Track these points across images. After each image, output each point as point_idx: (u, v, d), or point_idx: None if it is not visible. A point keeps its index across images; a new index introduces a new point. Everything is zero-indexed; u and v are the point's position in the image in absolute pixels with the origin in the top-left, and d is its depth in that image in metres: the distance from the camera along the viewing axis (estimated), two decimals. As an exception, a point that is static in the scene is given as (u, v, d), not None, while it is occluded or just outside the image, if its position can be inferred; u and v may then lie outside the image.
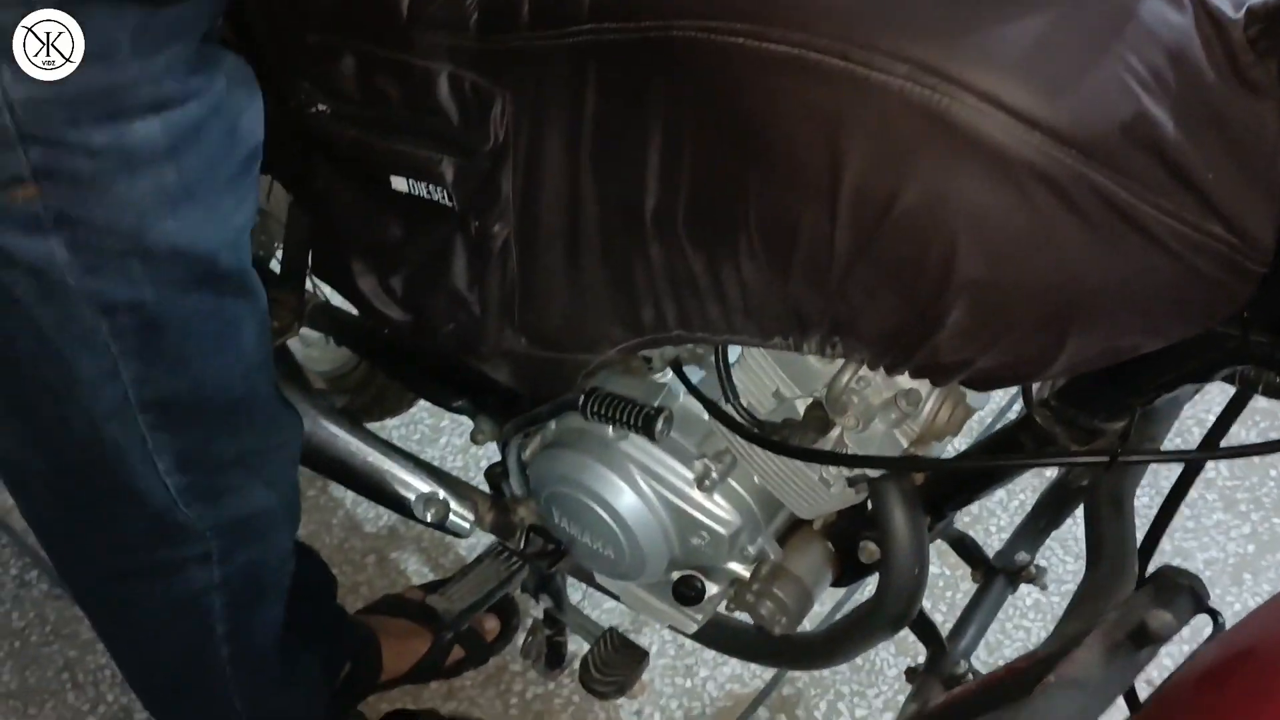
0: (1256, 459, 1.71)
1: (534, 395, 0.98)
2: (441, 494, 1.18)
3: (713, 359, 0.88)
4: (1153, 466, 1.54)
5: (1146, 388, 0.72)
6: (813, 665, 1.05)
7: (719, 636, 1.07)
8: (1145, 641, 0.62)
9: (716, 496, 0.94)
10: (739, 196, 0.66)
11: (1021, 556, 1.01)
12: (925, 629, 0.97)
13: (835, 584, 1.00)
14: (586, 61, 0.72)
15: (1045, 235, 0.57)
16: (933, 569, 1.53)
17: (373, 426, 1.44)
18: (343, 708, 1.28)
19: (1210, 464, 1.69)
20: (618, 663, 1.03)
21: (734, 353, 0.88)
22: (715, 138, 0.66)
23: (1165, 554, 1.54)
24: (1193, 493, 1.61)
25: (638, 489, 0.95)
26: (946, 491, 0.90)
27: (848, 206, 0.60)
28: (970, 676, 0.95)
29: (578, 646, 1.23)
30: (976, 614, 0.98)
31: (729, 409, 0.85)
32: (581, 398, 0.90)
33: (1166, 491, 0.85)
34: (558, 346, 0.86)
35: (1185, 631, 0.88)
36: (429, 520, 1.18)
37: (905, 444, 0.85)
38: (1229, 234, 0.57)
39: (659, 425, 0.86)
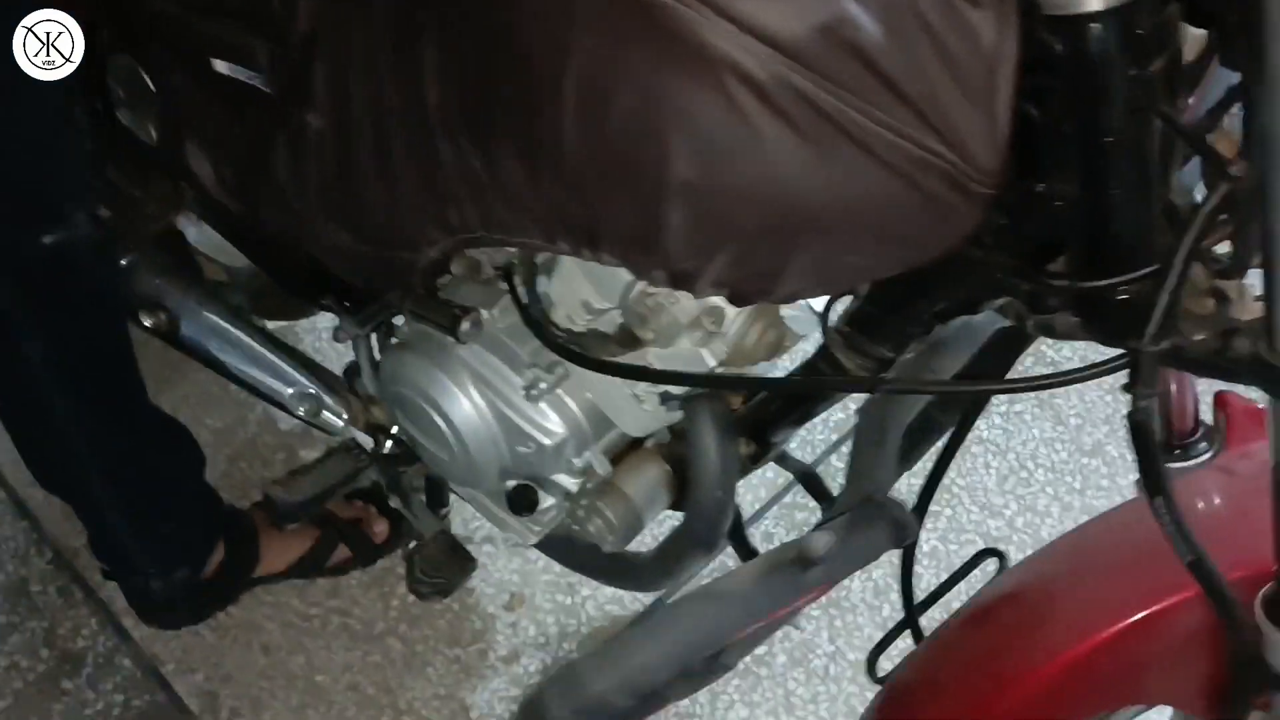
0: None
1: (372, 291, 0.98)
2: (315, 390, 1.19)
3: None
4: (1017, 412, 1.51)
5: (919, 317, 0.70)
6: (641, 587, 1.04)
7: (561, 549, 1.07)
8: (807, 563, 0.61)
9: (544, 406, 0.93)
10: (494, 92, 0.65)
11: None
12: (750, 556, 0.97)
13: (674, 507, 0.99)
14: None
15: (752, 140, 0.55)
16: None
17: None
18: (220, 597, 1.31)
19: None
20: (444, 566, 1.03)
21: (556, 260, 0.87)
22: (472, 29, 0.65)
23: (1074, 510, 1.52)
24: (1114, 451, 1.60)
25: (468, 394, 0.95)
26: (766, 418, 0.89)
27: (573, 102, 0.59)
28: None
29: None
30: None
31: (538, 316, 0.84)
32: (405, 297, 0.89)
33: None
34: (379, 243, 0.86)
35: (978, 571, 0.88)
36: (302, 415, 1.19)
37: (713, 363, 0.84)
38: (948, 150, 0.55)
39: (463, 327, 0.86)
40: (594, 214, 0.64)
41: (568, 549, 1.09)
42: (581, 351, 0.83)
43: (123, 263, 1.18)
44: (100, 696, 1.31)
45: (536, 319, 0.84)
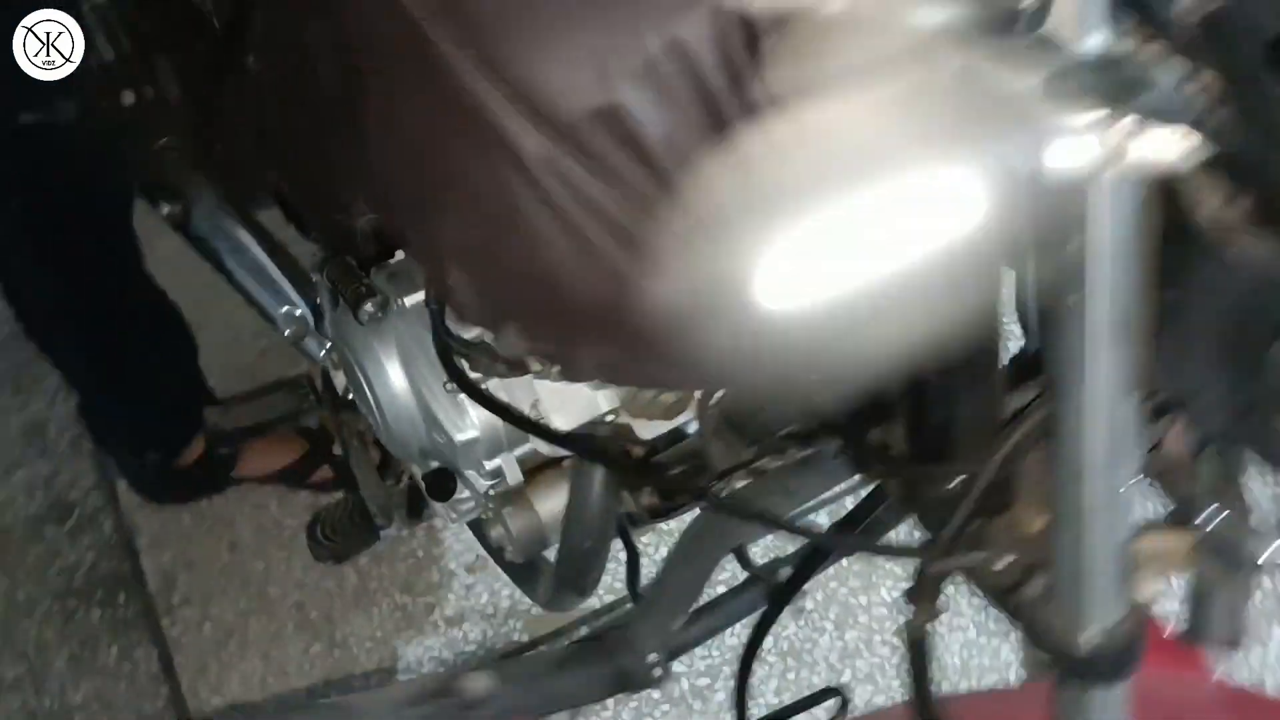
0: None
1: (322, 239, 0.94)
2: (303, 315, 1.17)
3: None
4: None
5: (769, 431, 0.62)
6: (544, 605, 0.99)
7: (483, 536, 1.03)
8: (466, 703, 0.54)
9: (461, 399, 0.88)
10: (341, 86, 0.60)
11: (784, 572, 0.91)
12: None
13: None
14: None
15: (517, 221, 0.48)
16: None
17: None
18: (196, 487, 1.32)
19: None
20: (345, 532, 1.00)
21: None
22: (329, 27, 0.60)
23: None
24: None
25: (394, 369, 0.91)
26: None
27: (372, 123, 0.54)
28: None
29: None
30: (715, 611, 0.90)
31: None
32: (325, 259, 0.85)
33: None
34: (311, 197, 0.82)
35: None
36: (287, 336, 1.17)
37: (607, 409, 0.77)
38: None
39: (365, 308, 0.81)
40: (406, 241, 0.58)
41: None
42: (471, 359, 0.78)
43: (163, 142, 1.18)
44: (74, 551, 1.35)
45: (435, 319, 0.79)
